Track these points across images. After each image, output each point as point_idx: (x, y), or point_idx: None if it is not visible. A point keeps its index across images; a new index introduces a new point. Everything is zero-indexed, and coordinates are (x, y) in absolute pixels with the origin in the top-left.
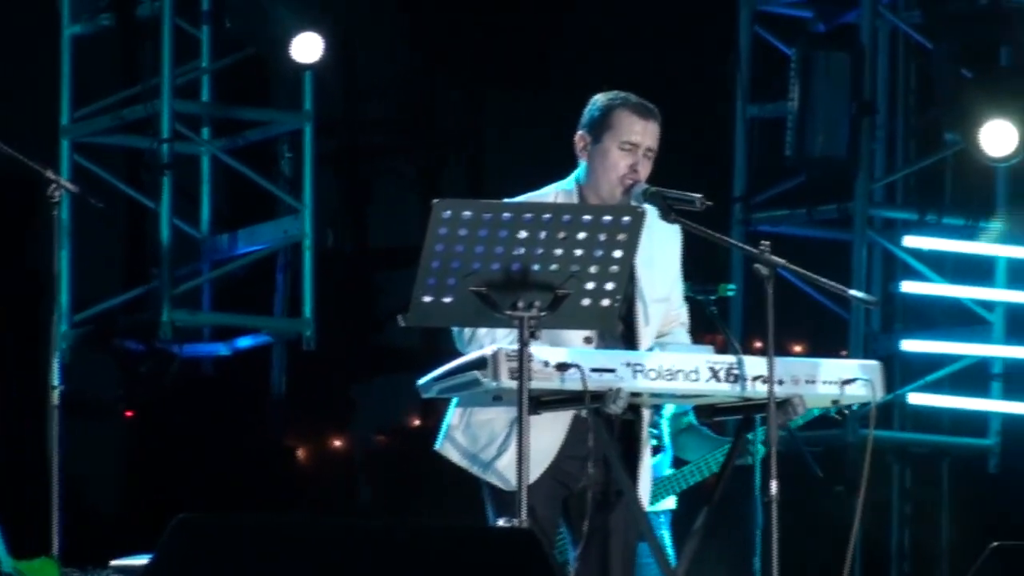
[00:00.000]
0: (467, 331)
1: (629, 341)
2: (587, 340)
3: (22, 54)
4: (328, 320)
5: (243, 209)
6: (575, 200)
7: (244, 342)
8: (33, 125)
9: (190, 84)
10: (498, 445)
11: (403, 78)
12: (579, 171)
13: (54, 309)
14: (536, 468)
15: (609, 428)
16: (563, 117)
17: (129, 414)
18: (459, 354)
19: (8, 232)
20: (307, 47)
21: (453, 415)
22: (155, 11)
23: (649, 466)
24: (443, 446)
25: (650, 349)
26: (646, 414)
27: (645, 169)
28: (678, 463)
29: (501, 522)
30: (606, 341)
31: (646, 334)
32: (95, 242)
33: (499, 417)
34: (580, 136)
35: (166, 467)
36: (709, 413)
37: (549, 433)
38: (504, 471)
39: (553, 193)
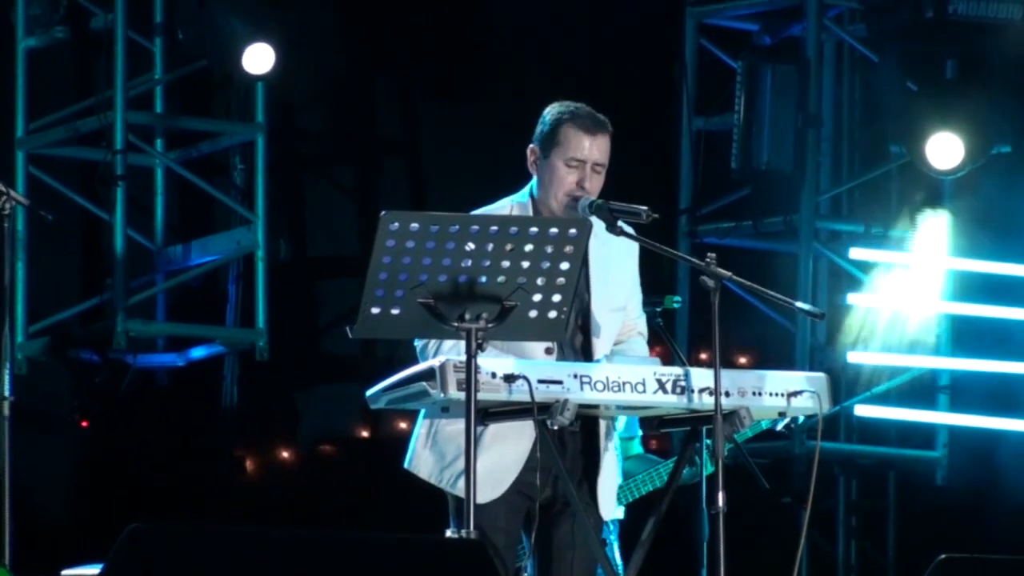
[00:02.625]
0: (431, 344)
1: (585, 351)
2: (548, 351)
3: None
4: (275, 330)
5: (196, 220)
6: (529, 211)
7: (198, 352)
8: None
9: (143, 96)
10: (465, 461)
11: (339, 88)
12: (533, 183)
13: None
14: (503, 482)
15: (561, 441)
16: (500, 126)
17: (84, 424)
18: (406, 365)
19: None
20: (258, 58)
21: (419, 433)
22: (108, 24)
23: (612, 476)
24: (412, 464)
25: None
26: (603, 425)
27: (594, 183)
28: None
29: (449, 532)
30: (563, 350)
31: (602, 343)
32: (50, 253)
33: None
34: (531, 150)
35: (119, 477)
36: (656, 425)
37: (515, 446)
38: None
39: (509, 205)
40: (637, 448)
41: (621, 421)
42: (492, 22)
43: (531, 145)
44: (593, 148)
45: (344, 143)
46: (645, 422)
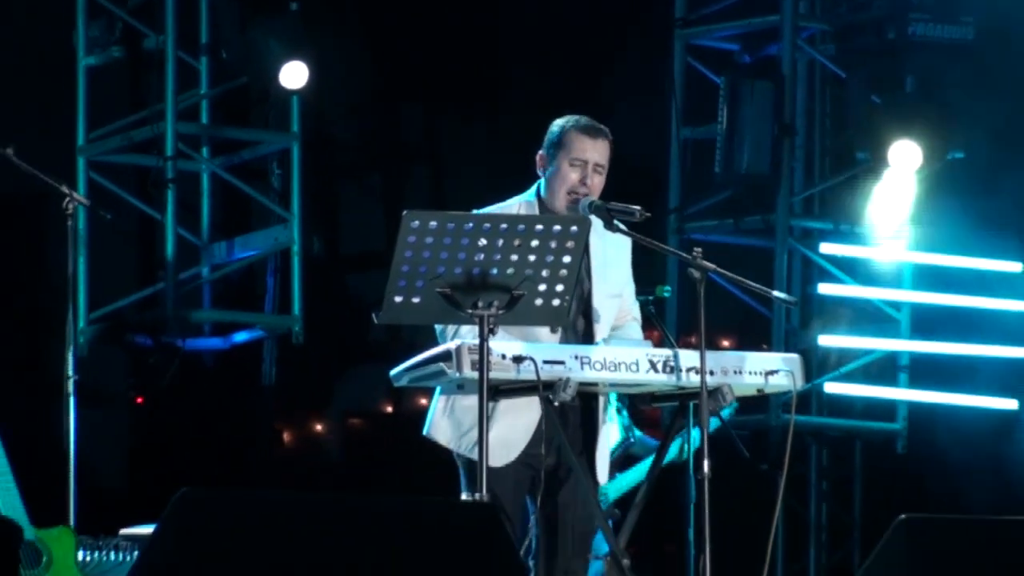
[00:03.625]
0: (449, 329)
1: (587, 334)
2: (552, 332)
3: (43, 84)
4: (310, 316)
5: (238, 219)
6: (536, 210)
7: (240, 337)
8: (53, 146)
9: (191, 109)
10: (479, 431)
11: (366, 101)
12: (539, 185)
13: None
14: (513, 450)
15: (563, 414)
16: (511, 135)
17: (139, 401)
18: (426, 348)
19: (32, 240)
20: (294, 75)
21: (438, 404)
22: (160, 44)
23: (606, 446)
24: (430, 431)
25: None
26: (601, 401)
27: (595, 182)
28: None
29: (464, 495)
30: (566, 334)
31: (601, 327)
32: (108, 249)
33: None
34: (540, 156)
35: (170, 447)
36: (648, 400)
37: (524, 418)
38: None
39: (517, 204)
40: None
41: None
42: (504, 44)
43: (540, 152)
44: (594, 150)
45: (371, 150)
46: (639, 398)
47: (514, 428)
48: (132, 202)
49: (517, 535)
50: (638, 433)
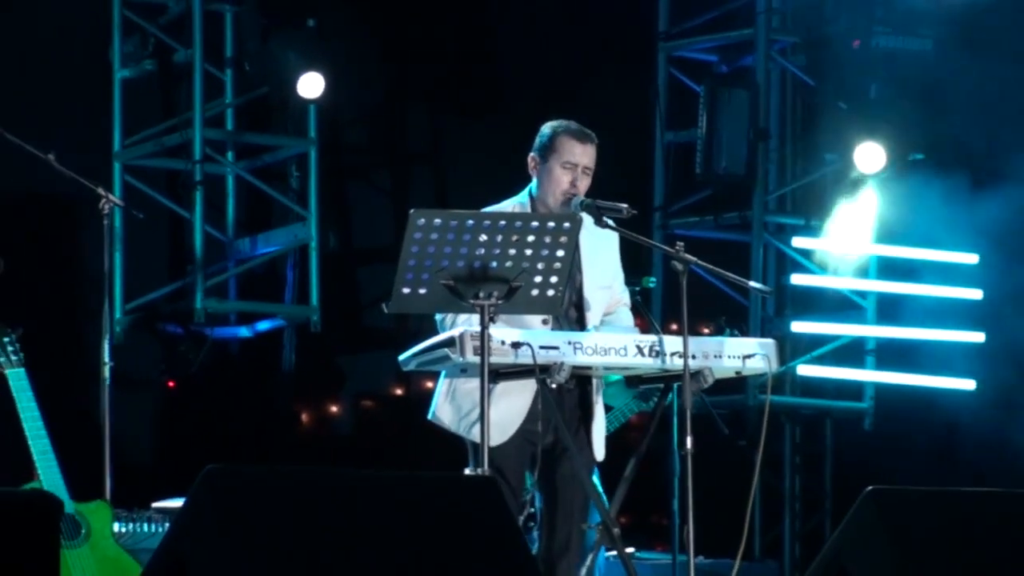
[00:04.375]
0: (448, 317)
1: (579, 322)
2: (544, 322)
3: (82, 95)
4: (326, 306)
5: (260, 218)
6: (528, 209)
7: (262, 325)
8: (92, 152)
9: (217, 116)
10: (478, 411)
11: (377, 109)
12: (531, 186)
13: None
14: (509, 428)
15: (559, 396)
16: (510, 138)
17: (170, 385)
18: (431, 335)
19: (72, 238)
20: (310, 85)
21: (440, 390)
22: (188, 58)
23: (602, 424)
24: (435, 415)
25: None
26: (595, 383)
27: (584, 183)
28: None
29: (467, 471)
30: (560, 322)
31: (592, 315)
32: (142, 245)
33: (478, 389)
34: (531, 158)
35: (198, 427)
36: (636, 382)
37: (519, 400)
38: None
39: (510, 205)
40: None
41: None
42: (502, 54)
43: (531, 154)
44: (584, 154)
45: (381, 154)
46: (628, 380)
47: (509, 410)
48: (163, 202)
49: (518, 506)
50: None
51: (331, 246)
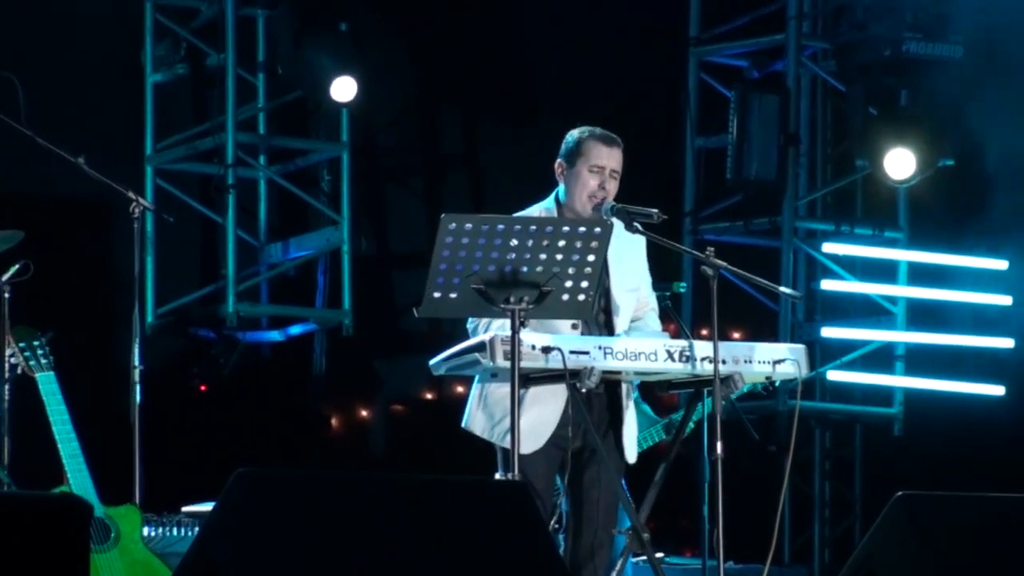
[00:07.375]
0: (482, 322)
1: (608, 326)
2: (573, 326)
3: (113, 99)
4: (358, 310)
5: (292, 222)
6: (555, 215)
7: (294, 329)
8: (122, 156)
9: (249, 120)
10: (510, 418)
11: (410, 112)
12: (558, 191)
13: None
14: (541, 436)
15: (588, 400)
16: (543, 142)
17: (202, 388)
18: (463, 340)
19: (104, 242)
20: (343, 89)
21: (473, 398)
22: (220, 62)
23: (633, 428)
24: (468, 424)
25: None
26: (624, 387)
27: (612, 187)
28: None
29: (497, 475)
30: (588, 326)
31: (621, 319)
32: (174, 249)
33: (509, 395)
34: (558, 164)
35: (229, 431)
36: (666, 387)
37: (550, 407)
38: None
39: (537, 211)
40: (636, 396)
41: None
42: (536, 60)
43: (558, 160)
44: (611, 157)
45: (414, 157)
46: (657, 385)
47: (541, 417)
48: (196, 207)
49: (547, 511)
50: (644, 407)
51: (363, 250)
